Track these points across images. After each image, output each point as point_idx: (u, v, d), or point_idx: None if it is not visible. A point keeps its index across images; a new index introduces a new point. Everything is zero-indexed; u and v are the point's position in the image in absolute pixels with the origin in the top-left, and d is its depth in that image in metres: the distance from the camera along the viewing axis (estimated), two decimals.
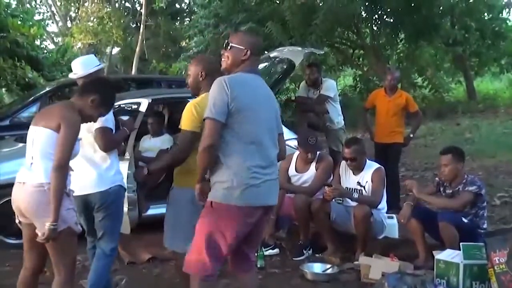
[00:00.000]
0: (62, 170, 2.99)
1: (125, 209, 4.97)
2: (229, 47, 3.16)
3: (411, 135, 7.06)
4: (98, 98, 3.25)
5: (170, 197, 3.79)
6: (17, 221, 3.27)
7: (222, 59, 3.21)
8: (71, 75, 4.01)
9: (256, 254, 3.43)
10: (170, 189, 3.82)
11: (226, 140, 3.00)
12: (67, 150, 3.02)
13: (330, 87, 7.17)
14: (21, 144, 6.15)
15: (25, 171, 3.12)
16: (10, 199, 5.30)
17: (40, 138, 3.09)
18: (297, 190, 5.38)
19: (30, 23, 13.84)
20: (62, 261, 3.16)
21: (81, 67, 3.93)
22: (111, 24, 20.45)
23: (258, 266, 4.86)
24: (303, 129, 6.74)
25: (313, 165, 5.43)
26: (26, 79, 11.77)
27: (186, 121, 3.45)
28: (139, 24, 21.22)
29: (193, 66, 3.66)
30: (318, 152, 5.53)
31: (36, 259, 3.28)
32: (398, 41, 15.46)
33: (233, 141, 3.00)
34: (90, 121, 3.38)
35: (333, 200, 5.15)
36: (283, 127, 6.46)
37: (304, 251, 5.23)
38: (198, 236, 3.05)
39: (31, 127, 3.18)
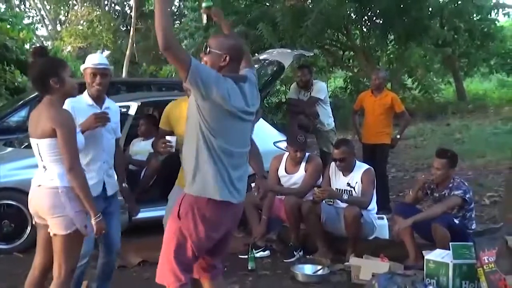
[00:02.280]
0: (75, 170, 3.07)
1: None
2: (208, 51, 3.01)
3: (398, 136, 7.07)
4: (54, 76, 3.16)
5: (172, 195, 3.86)
6: (33, 222, 3.39)
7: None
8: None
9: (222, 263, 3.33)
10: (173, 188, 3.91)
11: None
12: (71, 149, 3.07)
13: (321, 89, 7.20)
14: (9, 149, 6.12)
15: (40, 175, 3.20)
16: (1, 204, 5.37)
17: (44, 148, 3.14)
18: (287, 192, 5.39)
19: (20, 27, 13.78)
20: (65, 262, 3.18)
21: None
22: (101, 27, 20.45)
23: (249, 268, 4.88)
24: (293, 130, 6.75)
25: (302, 166, 5.44)
26: (15, 84, 11.71)
27: None
28: (129, 27, 21.22)
29: None
30: (307, 154, 5.55)
31: (46, 259, 3.31)
32: (388, 42, 15.52)
33: None
34: (75, 95, 3.38)
35: (323, 201, 5.16)
36: (274, 129, 6.56)
37: (295, 253, 5.24)
38: (166, 244, 3.01)
39: (30, 139, 3.23)
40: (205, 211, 2.92)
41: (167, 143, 3.77)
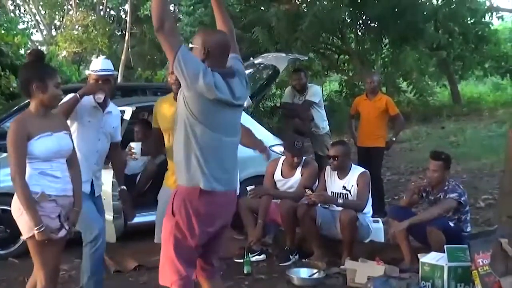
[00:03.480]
0: (15, 181, 3.11)
1: (111, 217, 5.00)
2: (191, 49, 3.02)
3: (394, 139, 7.10)
4: (36, 82, 3.18)
5: (160, 196, 3.89)
6: None
7: None
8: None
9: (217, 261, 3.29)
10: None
11: None
12: (14, 161, 3.11)
13: (315, 93, 7.22)
14: (4, 154, 6.10)
15: None
16: None
17: None
18: (283, 195, 5.40)
19: (14, 32, 13.75)
20: (40, 268, 3.21)
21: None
22: (96, 32, 20.39)
23: (245, 272, 4.87)
24: (289, 134, 6.76)
25: (298, 170, 5.45)
26: (10, 89, 11.67)
27: None
28: (124, 32, 21.21)
29: None
30: (303, 157, 5.56)
31: None
32: (383, 46, 15.57)
33: None
34: (58, 102, 3.39)
35: (319, 205, 5.17)
36: (270, 133, 6.58)
37: (291, 257, 5.23)
38: (165, 244, 3.02)
39: None
40: (197, 205, 2.92)
41: (131, 150, 3.82)
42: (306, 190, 5.07)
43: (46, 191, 3.19)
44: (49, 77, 3.21)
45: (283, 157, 5.62)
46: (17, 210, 3.18)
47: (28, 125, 3.17)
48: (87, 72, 4.08)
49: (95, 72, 3.93)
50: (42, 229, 3.10)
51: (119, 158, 4.27)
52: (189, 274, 3.00)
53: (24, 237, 3.17)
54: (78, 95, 3.81)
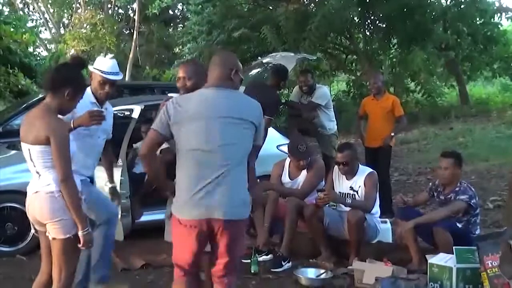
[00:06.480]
0: (67, 181, 3.06)
1: (118, 215, 4.99)
2: None
3: (392, 134, 6.86)
4: (72, 89, 3.18)
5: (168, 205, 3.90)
6: (33, 230, 3.45)
7: None
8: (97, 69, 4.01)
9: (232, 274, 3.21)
10: None
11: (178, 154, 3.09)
12: (65, 160, 3.05)
13: (322, 94, 7.13)
14: (13, 151, 6.13)
15: (36, 182, 3.18)
16: (4, 207, 5.37)
17: (36, 154, 3.11)
18: (287, 192, 5.39)
19: (23, 30, 13.86)
20: (65, 266, 3.19)
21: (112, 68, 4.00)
22: (104, 30, 20.44)
23: (252, 271, 4.86)
24: (293, 135, 6.70)
25: (305, 170, 5.44)
26: (19, 86, 11.75)
27: None
28: (132, 31, 21.28)
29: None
30: (309, 158, 5.54)
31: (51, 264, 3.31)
32: (391, 46, 15.53)
33: (179, 153, 3.06)
34: (64, 115, 3.36)
35: (327, 205, 5.15)
36: (277, 132, 6.57)
37: (283, 263, 5.04)
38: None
39: (22, 143, 3.20)
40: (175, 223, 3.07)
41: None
42: (319, 193, 5.02)
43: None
44: (81, 91, 3.28)
45: (289, 159, 5.60)
46: (59, 209, 3.09)
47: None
48: (91, 68, 4.00)
49: (103, 74, 3.88)
50: (88, 230, 3.13)
51: (110, 155, 4.30)
52: (186, 274, 3.09)
53: (61, 237, 3.09)
54: (72, 125, 3.71)
